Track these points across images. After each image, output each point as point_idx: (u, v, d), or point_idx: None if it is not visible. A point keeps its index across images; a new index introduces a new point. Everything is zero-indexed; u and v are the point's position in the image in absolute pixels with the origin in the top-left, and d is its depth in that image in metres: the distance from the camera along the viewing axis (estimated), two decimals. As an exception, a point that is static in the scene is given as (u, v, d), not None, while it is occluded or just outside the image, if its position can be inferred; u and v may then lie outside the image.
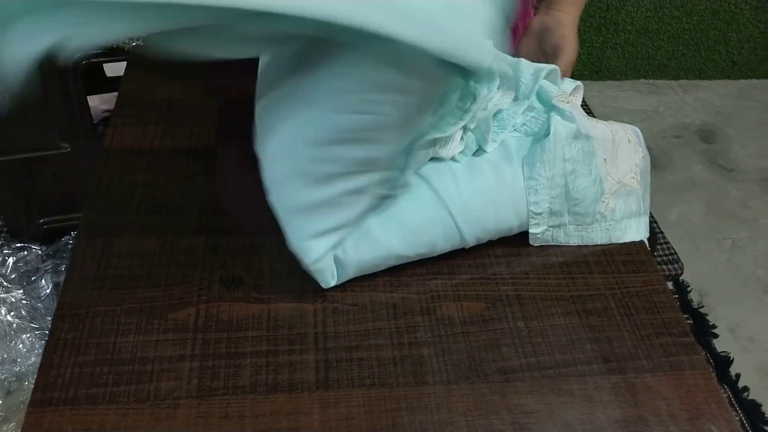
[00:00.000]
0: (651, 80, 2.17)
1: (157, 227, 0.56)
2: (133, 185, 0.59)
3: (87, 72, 1.06)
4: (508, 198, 0.56)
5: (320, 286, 0.53)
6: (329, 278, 0.53)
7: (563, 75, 0.65)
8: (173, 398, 0.45)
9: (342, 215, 0.51)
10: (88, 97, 1.13)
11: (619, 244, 0.60)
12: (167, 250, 0.54)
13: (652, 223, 1.59)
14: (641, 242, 0.62)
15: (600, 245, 0.60)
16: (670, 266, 1.50)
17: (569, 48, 0.69)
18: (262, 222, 0.57)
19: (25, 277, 1.19)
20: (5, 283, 1.18)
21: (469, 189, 0.55)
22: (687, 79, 2.18)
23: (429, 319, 0.52)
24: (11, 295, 1.16)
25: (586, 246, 0.60)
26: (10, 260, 1.19)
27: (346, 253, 0.52)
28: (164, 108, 0.68)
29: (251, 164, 0.63)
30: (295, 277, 0.53)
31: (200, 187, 0.60)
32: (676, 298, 1.48)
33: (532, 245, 0.59)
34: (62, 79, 1.04)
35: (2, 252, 1.21)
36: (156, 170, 0.61)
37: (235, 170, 0.62)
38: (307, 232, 0.50)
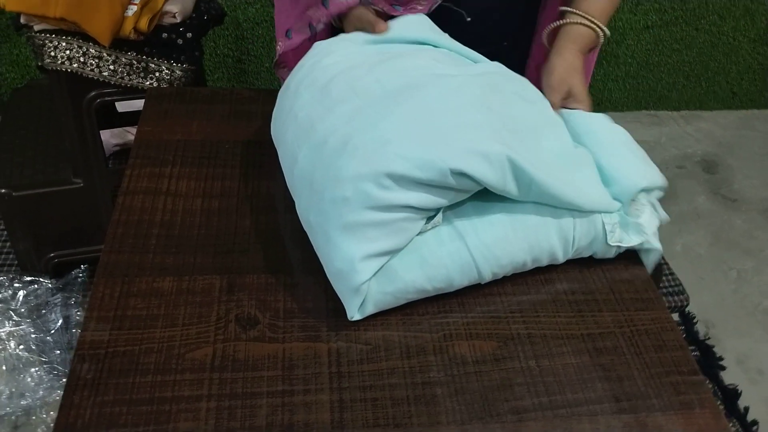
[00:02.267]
0: (652, 111, 2.19)
1: (175, 267, 0.57)
2: (150, 225, 0.60)
3: (99, 108, 1.08)
4: (521, 233, 0.57)
5: (333, 325, 0.54)
6: (357, 308, 0.53)
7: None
8: (191, 439, 0.46)
9: (396, 240, 0.53)
10: (104, 131, 1.15)
11: (626, 282, 0.61)
12: (184, 290, 0.55)
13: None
14: (648, 279, 0.63)
15: (606, 281, 0.61)
16: (675, 297, 1.50)
17: (585, 96, 0.69)
18: (276, 261, 0.59)
19: (35, 311, 1.20)
20: (15, 317, 1.18)
21: (483, 224, 0.56)
22: (688, 109, 2.21)
23: (442, 358, 0.53)
24: (21, 329, 1.17)
25: (594, 283, 0.61)
26: (21, 294, 1.20)
27: (369, 286, 0.53)
28: (180, 148, 0.69)
29: (265, 204, 0.64)
30: (309, 315, 0.54)
31: (216, 226, 0.61)
32: (682, 329, 1.48)
33: (541, 283, 0.60)
34: (76, 116, 1.06)
35: (13, 285, 1.22)
36: (173, 211, 0.62)
37: (251, 210, 0.63)
38: (359, 252, 0.52)
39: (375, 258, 0.52)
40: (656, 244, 0.62)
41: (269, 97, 0.78)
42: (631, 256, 0.64)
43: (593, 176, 0.61)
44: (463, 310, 0.57)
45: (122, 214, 0.62)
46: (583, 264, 0.63)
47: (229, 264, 0.58)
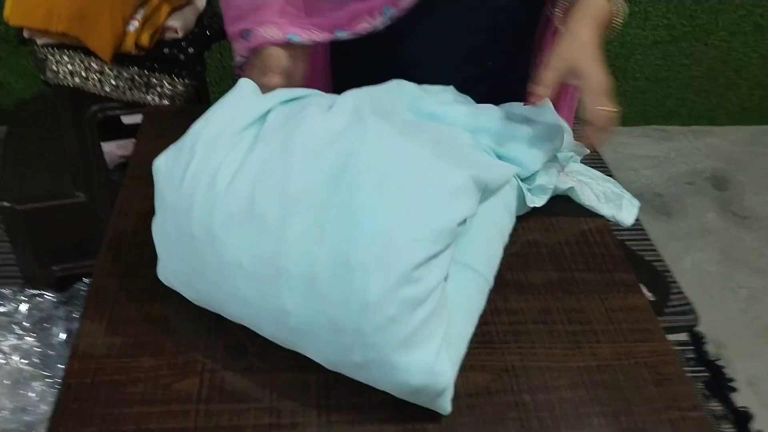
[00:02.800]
0: (662, 126, 2.17)
1: (165, 292, 0.56)
2: (142, 249, 0.60)
3: (103, 121, 1.09)
4: (489, 225, 0.59)
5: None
6: (449, 401, 0.49)
7: (596, 100, 0.64)
8: (174, 473, 0.45)
9: (443, 314, 0.49)
10: (104, 143, 1.15)
11: (625, 312, 0.60)
12: (174, 316, 0.55)
13: (664, 272, 1.58)
14: (648, 309, 0.61)
15: (605, 311, 0.60)
16: (684, 317, 1.48)
17: (593, 70, 0.63)
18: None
19: (39, 324, 1.20)
20: (19, 330, 1.19)
21: (466, 242, 0.55)
22: (698, 125, 2.19)
23: (433, 390, 0.52)
24: (24, 342, 1.17)
25: (593, 313, 0.59)
26: (24, 307, 1.20)
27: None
28: (176, 169, 0.69)
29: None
30: (300, 345, 0.54)
31: (208, 251, 0.60)
32: (692, 349, 1.46)
33: (538, 312, 0.59)
34: (77, 129, 1.07)
35: (17, 299, 1.22)
36: (165, 234, 0.61)
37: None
38: (430, 355, 0.46)
39: (441, 347, 0.48)
40: (567, 184, 0.69)
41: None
42: (630, 285, 0.63)
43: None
44: (457, 340, 0.56)
45: (114, 236, 0.61)
46: (581, 293, 0.61)
47: (220, 290, 0.57)
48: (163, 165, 0.54)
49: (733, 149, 2.11)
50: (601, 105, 0.64)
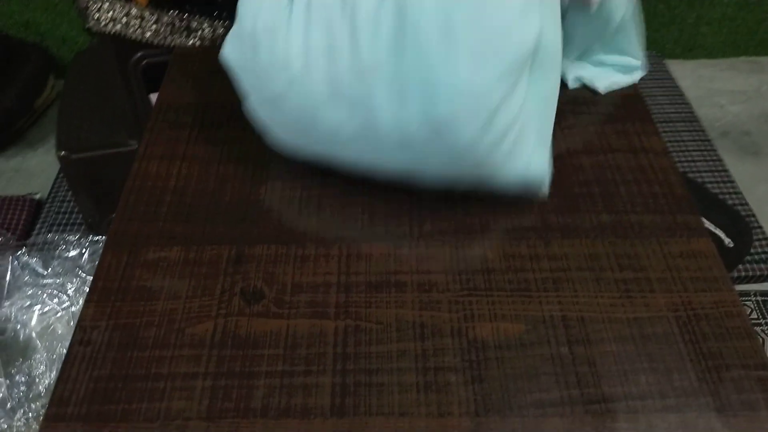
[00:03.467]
0: (752, 57, 1.96)
1: (183, 236, 0.54)
2: (163, 192, 0.58)
3: (148, 70, 1.08)
4: None
5: (343, 301, 0.50)
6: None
7: None
8: (183, 419, 0.43)
9: (530, 124, 0.52)
10: (152, 94, 1.15)
11: (687, 258, 0.53)
12: (191, 260, 0.53)
13: (748, 217, 1.44)
14: (714, 255, 0.54)
15: (663, 257, 0.53)
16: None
17: None
18: (289, 231, 0.55)
19: (100, 269, 1.24)
20: (82, 274, 1.23)
21: None
22: (796, 54, 1.96)
23: (460, 341, 0.48)
24: (86, 286, 1.21)
25: (648, 258, 0.53)
26: (86, 252, 1.25)
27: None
28: (200, 111, 0.66)
29: (282, 170, 0.60)
30: (318, 290, 0.51)
31: (229, 193, 0.58)
32: (775, 301, 1.34)
33: (584, 258, 0.53)
34: (124, 78, 1.06)
35: (80, 243, 1.27)
36: (187, 177, 0.59)
37: (267, 176, 0.60)
38: (526, 158, 0.52)
39: (535, 144, 0.54)
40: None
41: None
42: (694, 228, 0.55)
43: None
44: (490, 287, 0.51)
45: (136, 180, 0.59)
46: (636, 237, 0.55)
47: (239, 234, 0.55)
48: (230, 56, 0.54)
49: (836, 81, 1.88)
50: None
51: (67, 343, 1.14)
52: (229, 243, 0.54)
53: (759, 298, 1.34)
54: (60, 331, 1.14)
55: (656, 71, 1.87)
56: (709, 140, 1.63)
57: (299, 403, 0.44)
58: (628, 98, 0.68)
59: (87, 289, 1.21)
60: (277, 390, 0.45)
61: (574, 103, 0.67)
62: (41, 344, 1.15)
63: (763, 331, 1.29)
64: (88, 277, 1.22)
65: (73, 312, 1.20)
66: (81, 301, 1.21)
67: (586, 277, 0.52)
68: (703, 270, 0.53)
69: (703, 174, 1.53)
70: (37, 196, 1.52)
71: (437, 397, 0.44)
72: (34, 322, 1.17)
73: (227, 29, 1.03)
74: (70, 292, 1.19)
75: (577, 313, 0.49)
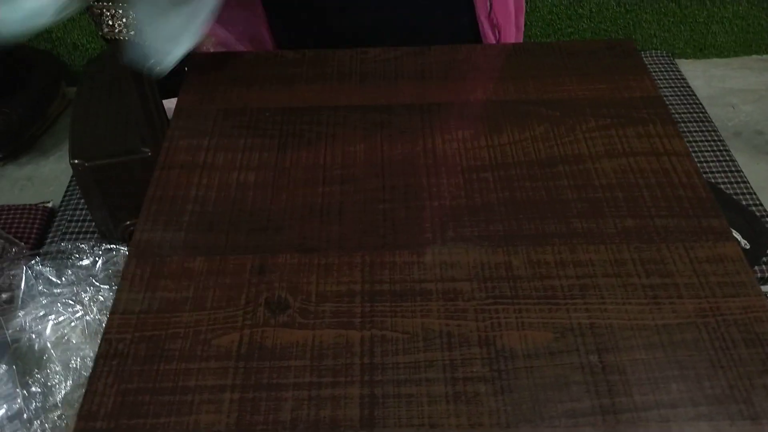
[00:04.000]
0: (764, 56, 1.95)
1: (206, 246, 0.54)
2: (184, 201, 0.58)
3: (166, 77, 1.08)
4: None
5: (369, 311, 0.49)
6: None
7: None
8: (212, 432, 0.43)
9: None
10: (166, 100, 1.15)
11: (714, 263, 0.52)
12: (215, 270, 0.52)
13: (763, 217, 1.43)
14: (741, 259, 0.53)
15: (689, 262, 0.52)
16: (786, 265, 1.34)
17: None
18: (312, 239, 0.55)
19: (114, 278, 1.24)
20: (96, 283, 1.23)
21: None
22: (808, 52, 1.95)
23: (488, 350, 0.47)
24: (100, 295, 1.22)
25: (675, 264, 0.52)
26: (100, 261, 1.25)
27: None
28: (220, 118, 0.66)
29: (304, 177, 0.60)
30: (342, 300, 0.50)
31: (251, 201, 0.58)
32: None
33: (610, 263, 0.52)
34: (137, 85, 1.06)
35: (93, 252, 1.27)
36: (208, 185, 0.59)
37: (288, 183, 0.59)
38: None
39: None
40: None
41: (314, 59, 0.73)
42: (721, 232, 0.55)
43: None
44: (516, 294, 0.51)
45: (158, 189, 0.59)
46: (662, 242, 0.54)
47: (262, 242, 0.54)
48: None
49: None
50: None
51: (81, 353, 1.15)
52: (252, 252, 0.54)
53: (776, 299, 1.33)
54: (74, 341, 1.14)
55: (667, 71, 1.86)
56: (722, 140, 1.62)
57: (328, 416, 0.44)
58: (648, 100, 0.68)
59: (101, 298, 1.22)
60: (306, 402, 0.45)
61: (594, 106, 0.66)
62: (56, 354, 1.15)
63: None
64: (102, 286, 1.22)
65: (87, 321, 1.20)
66: (95, 310, 1.21)
67: (612, 284, 0.51)
68: (730, 275, 0.52)
69: (717, 175, 1.52)
70: (50, 205, 1.53)
71: (467, 408, 0.44)
72: (48, 332, 1.17)
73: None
74: (84, 301, 1.19)
75: (606, 321, 0.49)
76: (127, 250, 0.55)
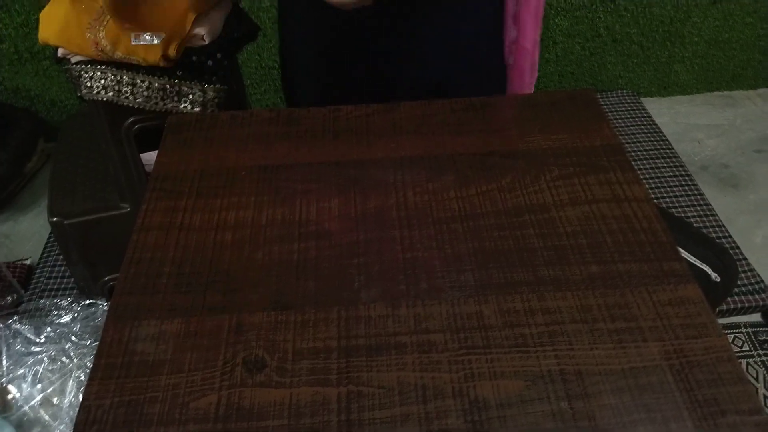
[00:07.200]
0: (725, 92, 2.03)
1: (184, 307, 0.55)
2: (162, 263, 0.59)
3: (144, 131, 1.10)
4: None
5: (345, 366, 0.50)
6: None
7: None
8: (192, 497, 0.44)
9: None
10: (147, 153, 1.17)
11: (676, 305, 0.55)
12: (192, 332, 0.53)
13: (733, 249, 1.47)
14: (702, 301, 0.56)
15: (652, 305, 0.54)
16: (756, 296, 1.38)
17: None
18: (287, 296, 0.56)
19: (94, 333, 1.24)
20: (74, 339, 1.22)
21: None
22: (766, 87, 2.03)
23: (462, 402, 0.48)
24: (81, 351, 1.21)
25: (638, 308, 0.54)
26: (79, 317, 1.24)
27: None
28: (197, 179, 0.68)
29: (279, 233, 0.62)
30: (319, 356, 0.51)
31: (227, 261, 0.59)
32: (765, 331, 1.36)
33: (576, 310, 0.54)
34: (116, 143, 1.08)
35: (72, 309, 1.27)
36: (185, 246, 0.60)
37: (264, 241, 0.61)
38: None
39: None
40: None
41: (288, 117, 0.76)
42: (681, 275, 0.57)
43: None
44: (488, 344, 0.52)
45: (135, 251, 0.61)
46: (625, 287, 0.56)
47: (238, 301, 0.56)
48: None
49: (807, 111, 1.95)
50: None
51: (65, 417, 1.13)
52: (229, 312, 0.55)
53: (749, 330, 1.36)
54: (56, 401, 1.13)
55: (634, 109, 1.93)
56: (689, 175, 1.68)
57: (306, 474, 0.44)
58: (609, 147, 0.71)
59: (81, 354, 1.20)
60: (284, 461, 0.45)
61: (557, 155, 0.69)
62: (47, 416, 1.14)
63: (756, 362, 1.30)
64: (81, 342, 1.21)
65: (78, 364, 1.18)
66: (77, 362, 1.20)
67: (580, 330, 0.53)
68: (692, 317, 0.54)
69: (686, 209, 1.57)
70: (28, 261, 1.52)
71: (442, 460, 0.45)
72: (37, 398, 1.15)
73: (218, 92, 1.06)
74: (63, 358, 1.18)
75: (574, 367, 0.51)
76: (106, 314, 0.55)
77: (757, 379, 1.26)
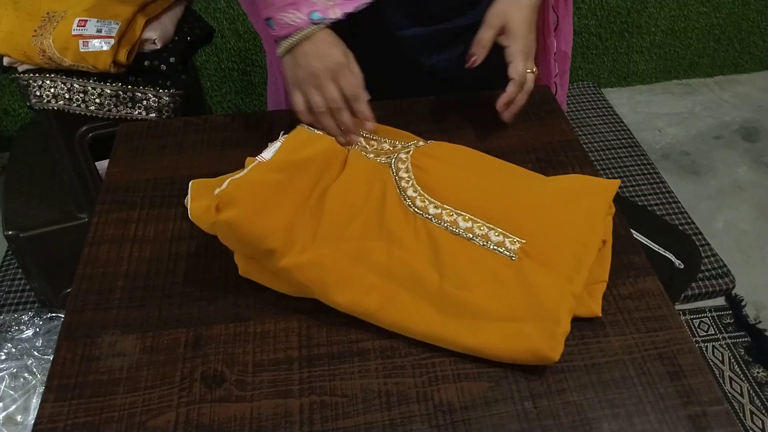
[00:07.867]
0: (684, 80, 2.07)
1: (139, 322, 0.54)
2: (115, 278, 0.57)
3: (94, 143, 1.07)
4: None
5: (306, 377, 0.49)
6: None
7: (525, 61, 0.67)
8: None
9: None
10: (103, 161, 1.13)
11: (636, 298, 0.55)
12: (148, 347, 0.52)
13: (695, 235, 1.50)
14: (661, 293, 0.56)
15: (613, 299, 0.55)
16: (720, 280, 1.41)
17: (524, 32, 0.67)
18: (246, 307, 0.55)
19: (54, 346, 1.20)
20: (36, 354, 1.19)
21: None
22: (723, 74, 2.07)
23: (426, 406, 0.48)
24: (45, 367, 1.17)
25: (599, 305, 0.54)
26: (41, 330, 1.21)
27: None
28: (150, 188, 0.66)
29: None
30: (280, 368, 0.50)
31: (183, 272, 0.57)
32: (729, 314, 1.39)
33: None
34: (70, 152, 1.05)
35: (33, 323, 1.23)
36: (139, 259, 0.59)
37: (221, 250, 0.59)
38: None
39: None
40: None
41: (243, 121, 0.74)
42: (640, 268, 0.58)
43: None
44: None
45: (87, 267, 0.59)
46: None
47: (195, 314, 0.54)
48: None
49: (762, 96, 2.00)
50: (529, 68, 0.67)
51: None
52: (185, 326, 0.53)
53: (714, 314, 1.39)
54: (20, 419, 1.09)
55: (595, 100, 1.95)
56: (651, 163, 1.70)
57: (269, 490, 0.43)
58: (567, 143, 0.71)
59: (46, 368, 1.17)
60: (246, 478, 0.44)
61: (518, 152, 0.69)
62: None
63: (721, 345, 1.33)
64: (45, 357, 1.18)
65: (34, 386, 1.15)
66: (40, 377, 1.17)
67: (542, 327, 0.53)
68: (652, 309, 0.54)
69: (649, 197, 1.59)
70: (-15, 276, 1.47)
71: (408, 468, 0.44)
72: (0, 416, 1.11)
73: (173, 97, 1.03)
74: (26, 375, 1.14)
75: (537, 365, 0.50)
76: (59, 334, 0.53)
77: (722, 362, 1.29)
